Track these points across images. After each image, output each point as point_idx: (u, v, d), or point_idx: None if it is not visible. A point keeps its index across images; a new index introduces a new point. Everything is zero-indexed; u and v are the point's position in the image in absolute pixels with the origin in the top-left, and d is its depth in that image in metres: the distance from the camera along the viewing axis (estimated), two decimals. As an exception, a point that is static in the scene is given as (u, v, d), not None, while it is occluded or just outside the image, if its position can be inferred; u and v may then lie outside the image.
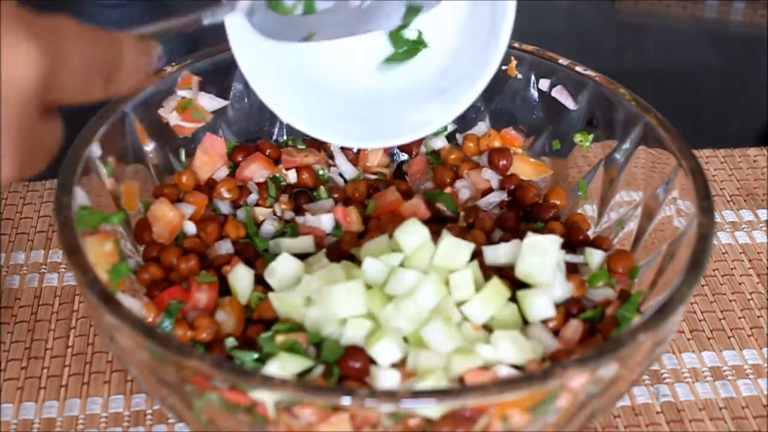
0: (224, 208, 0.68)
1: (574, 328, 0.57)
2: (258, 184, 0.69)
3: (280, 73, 0.61)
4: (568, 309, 0.58)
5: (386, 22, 0.58)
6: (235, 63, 0.68)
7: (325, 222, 0.65)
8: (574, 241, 0.64)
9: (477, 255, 0.60)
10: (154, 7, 0.91)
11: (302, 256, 0.61)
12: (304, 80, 0.63)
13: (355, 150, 0.74)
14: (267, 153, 0.70)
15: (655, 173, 0.62)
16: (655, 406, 0.63)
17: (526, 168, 0.71)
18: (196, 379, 0.46)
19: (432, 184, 0.71)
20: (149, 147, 0.66)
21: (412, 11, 0.57)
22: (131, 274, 0.60)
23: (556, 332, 0.57)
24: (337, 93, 0.63)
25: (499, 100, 0.72)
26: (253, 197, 0.68)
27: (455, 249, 0.57)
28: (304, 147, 0.72)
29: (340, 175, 0.73)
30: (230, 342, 0.56)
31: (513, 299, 0.57)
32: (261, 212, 0.68)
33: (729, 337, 0.68)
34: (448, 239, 0.57)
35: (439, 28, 0.63)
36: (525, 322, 0.57)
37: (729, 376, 0.65)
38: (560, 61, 0.68)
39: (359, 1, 0.55)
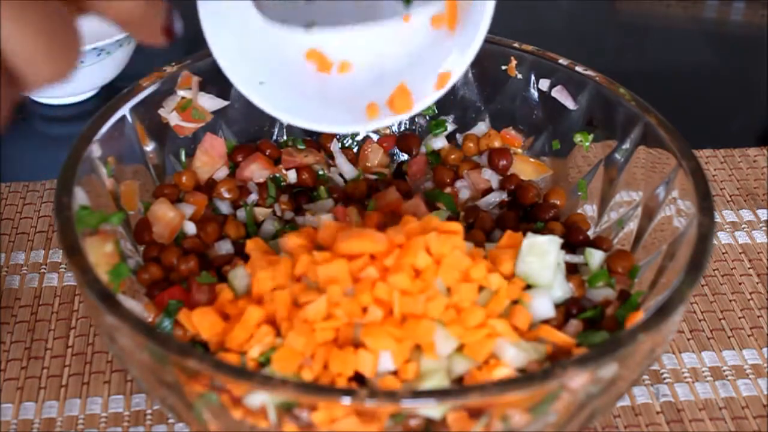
0: (224, 208, 0.68)
1: (574, 328, 0.57)
2: (258, 184, 0.69)
3: (251, 56, 0.57)
4: (568, 309, 0.58)
5: (389, 11, 0.57)
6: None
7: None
8: (574, 242, 0.64)
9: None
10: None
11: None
12: (280, 64, 0.58)
13: (354, 145, 0.74)
14: (267, 153, 0.70)
15: (655, 173, 0.62)
16: (655, 406, 0.63)
17: (526, 168, 0.71)
18: (197, 380, 0.46)
19: (432, 184, 0.71)
20: (149, 147, 0.66)
21: None
22: (131, 275, 0.60)
23: (556, 332, 0.57)
24: (312, 79, 0.59)
25: (499, 100, 0.72)
26: (253, 197, 0.68)
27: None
28: (304, 147, 0.72)
29: (340, 175, 0.73)
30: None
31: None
32: (261, 212, 0.68)
33: (729, 337, 0.68)
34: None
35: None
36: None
37: (729, 376, 0.65)
38: (560, 61, 0.68)
39: None
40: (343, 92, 0.57)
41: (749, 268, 0.74)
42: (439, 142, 0.74)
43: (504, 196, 0.70)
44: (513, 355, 0.52)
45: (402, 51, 0.57)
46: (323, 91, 0.57)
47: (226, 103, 0.69)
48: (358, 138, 0.75)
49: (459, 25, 0.55)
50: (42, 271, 0.72)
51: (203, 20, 0.52)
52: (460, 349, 0.52)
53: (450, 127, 0.74)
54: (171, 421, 0.61)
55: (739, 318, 0.69)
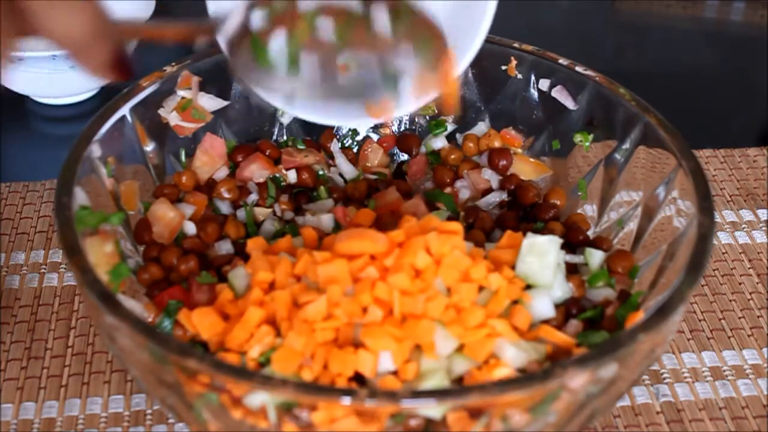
0: (224, 208, 0.68)
1: (574, 328, 0.57)
2: (258, 184, 0.69)
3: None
4: (568, 309, 0.58)
5: (369, 92, 0.56)
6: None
7: (325, 222, 0.66)
8: (574, 241, 0.64)
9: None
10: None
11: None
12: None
13: (354, 145, 0.75)
14: (267, 153, 0.70)
15: (655, 173, 0.62)
16: (655, 406, 0.63)
17: (526, 168, 0.71)
18: (196, 380, 0.46)
19: (432, 184, 0.71)
20: (149, 147, 0.66)
21: (391, 81, 0.55)
22: (131, 275, 0.60)
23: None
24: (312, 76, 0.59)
25: (499, 100, 0.72)
26: (253, 197, 0.68)
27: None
28: (304, 147, 0.72)
29: (340, 175, 0.73)
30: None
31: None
32: (261, 212, 0.68)
33: (729, 337, 0.68)
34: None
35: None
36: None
37: (729, 376, 0.65)
38: (560, 61, 0.68)
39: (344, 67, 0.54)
40: (341, 89, 0.57)
41: (749, 268, 0.74)
42: (439, 142, 0.74)
43: (504, 196, 0.70)
44: (513, 355, 0.52)
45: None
46: (321, 85, 0.57)
47: (226, 103, 0.69)
48: (359, 138, 0.75)
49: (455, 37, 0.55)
50: (42, 271, 0.72)
51: (210, 10, 0.52)
52: (460, 349, 0.52)
53: (450, 127, 0.74)
54: (171, 421, 0.61)
55: (739, 318, 0.69)
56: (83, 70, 0.44)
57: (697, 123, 0.89)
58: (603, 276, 0.60)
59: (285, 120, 0.73)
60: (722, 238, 0.77)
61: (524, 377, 0.47)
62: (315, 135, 0.74)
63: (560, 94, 0.69)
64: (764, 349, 0.67)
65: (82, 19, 0.41)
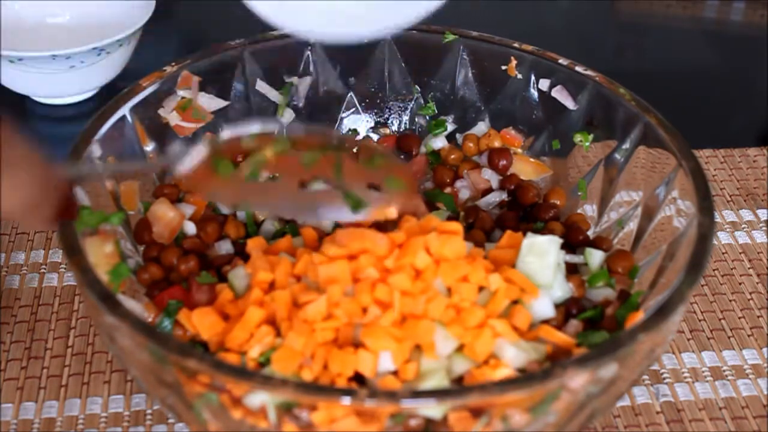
0: (224, 208, 0.68)
1: (574, 328, 0.57)
2: (258, 184, 0.69)
3: None
4: (568, 309, 0.58)
5: (337, 213, 0.55)
6: (235, 64, 0.68)
7: (325, 222, 0.65)
8: (574, 242, 0.64)
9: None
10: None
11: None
12: None
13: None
14: (267, 153, 0.70)
15: (655, 173, 0.62)
16: (655, 406, 0.63)
17: (526, 168, 0.71)
18: (196, 380, 0.46)
19: (432, 184, 0.71)
20: (149, 147, 0.66)
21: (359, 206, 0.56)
22: (131, 275, 0.60)
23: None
24: None
25: (499, 100, 0.72)
26: (253, 197, 0.68)
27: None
28: (304, 147, 0.72)
29: (341, 174, 0.73)
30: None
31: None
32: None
33: (729, 337, 0.68)
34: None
35: None
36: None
37: (729, 376, 0.65)
38: (560, 61, 0.69)
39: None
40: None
41: (749, 268, 0.74)
42: (439, 142, 0.74)
43: (504, 196, 0.70)
44: (513, 355, 0.52)
45: None
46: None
47: (226, 103, 0.69)
48: (359, 138, 0.75)
49: None
50: (42, 271, 0.72)
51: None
52: (460, 349, 0.52)
53: (450, 127, 0.74)
54: (171, 421, 0.61)
55: (739, 318, 0.69)
56: (28, 227, 0.43)
57: (697, 123, 0.89)
58: (603, 276, 0.60)
59: (285, 120, 0.73)
60: (722, 238, 0.77)
61: (524, 377, 0.47)
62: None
63: (560, 94, 0.69)
64: (764, 349, 0.67)
65: (30, 191, 0.39)
